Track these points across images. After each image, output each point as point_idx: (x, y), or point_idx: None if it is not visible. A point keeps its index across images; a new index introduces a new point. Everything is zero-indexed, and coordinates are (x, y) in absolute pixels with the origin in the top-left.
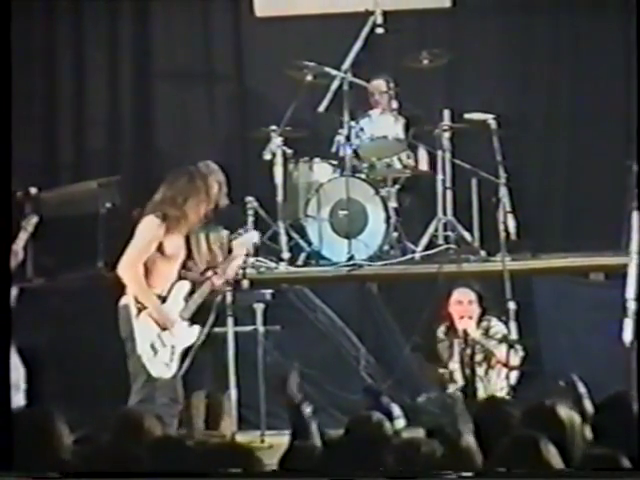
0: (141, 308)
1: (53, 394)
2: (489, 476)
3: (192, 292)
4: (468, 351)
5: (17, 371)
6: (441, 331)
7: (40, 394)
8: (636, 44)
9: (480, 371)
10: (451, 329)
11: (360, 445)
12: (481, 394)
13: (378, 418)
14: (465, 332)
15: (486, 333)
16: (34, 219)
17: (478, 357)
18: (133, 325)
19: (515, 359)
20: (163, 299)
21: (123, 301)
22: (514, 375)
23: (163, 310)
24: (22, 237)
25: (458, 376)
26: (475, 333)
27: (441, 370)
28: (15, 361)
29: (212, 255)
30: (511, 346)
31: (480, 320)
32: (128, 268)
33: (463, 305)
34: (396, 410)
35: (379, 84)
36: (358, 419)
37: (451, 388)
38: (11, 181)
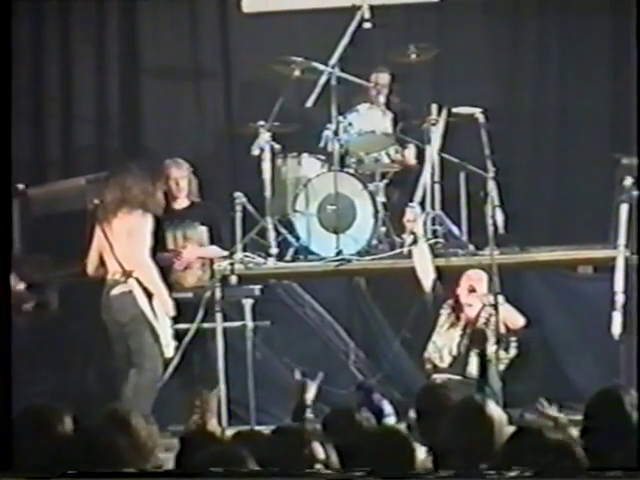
0: (151, 295)
1: (44, 390)
2: (489, 476)
3: None
4: (468, 330)
5: None
6: (445, 309)
7: (31, 390)
8: (636, 38)
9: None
10: (456, 307)
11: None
12: (472, 370)
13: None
14: (469, 304)
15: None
16: None
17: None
18: (144, 308)
19: (520, 320)
20: None
21: (120, 289)
22: (506, 360)
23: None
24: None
25: (446, 355)
26: (481, 296)
27: (430, 350)
28: None
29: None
30: (502, 344)
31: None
32: (146, 266)
33: (472, 280)
34: (387, 408)
35: (384, 77)
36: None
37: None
38: (11, 179)
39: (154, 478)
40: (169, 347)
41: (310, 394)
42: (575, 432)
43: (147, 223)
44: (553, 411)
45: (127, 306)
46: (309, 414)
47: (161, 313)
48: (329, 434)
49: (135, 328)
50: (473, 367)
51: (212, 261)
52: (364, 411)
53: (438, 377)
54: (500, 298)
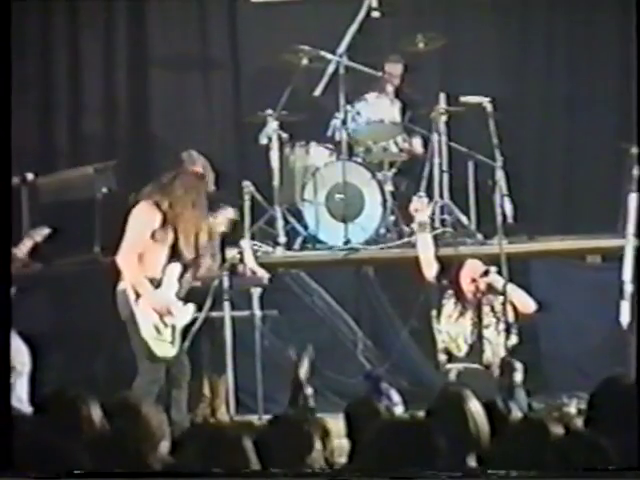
0: (139, 294)
1: (53, 378)
2: (488, 476)
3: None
4: (476, 316)
5: (21, 354)
6: (450, 299)
7: (40, 378)
8: (635, 29)
9: (488, 333)
10: (460, 296)
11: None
12: (488, 356)
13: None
14: (477, 288)
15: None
16: (45, 230)
17: (486, 320)
18: (133, 309)
19: (531, 306)
20: (158, 283)
21: (121, 286)
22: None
23: (157, 297)
24: (27, 244)
25: (462, 343)
26: (489, 279)
27: (446, 339)
28: (18, 343)
29: (200, 240)
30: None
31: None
32: (126, 257)
33: (475, 268)
34: (395, 396)
35: (397, 67)
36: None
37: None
38: (10, 168)
39: (154, 478)
40: (166, 347)
41: (304, 369)
42: (580, 422)
43: (146, 217)
44: (572, 408)
45: (123, 305)
46: (308, 391)
47: (146, 314)
48: (352, 425)
49: (129, 328)
50: (489, 355)
51: (223, 250)
52: (384, 400)
53: (454, 367)
54: (509, 284)
